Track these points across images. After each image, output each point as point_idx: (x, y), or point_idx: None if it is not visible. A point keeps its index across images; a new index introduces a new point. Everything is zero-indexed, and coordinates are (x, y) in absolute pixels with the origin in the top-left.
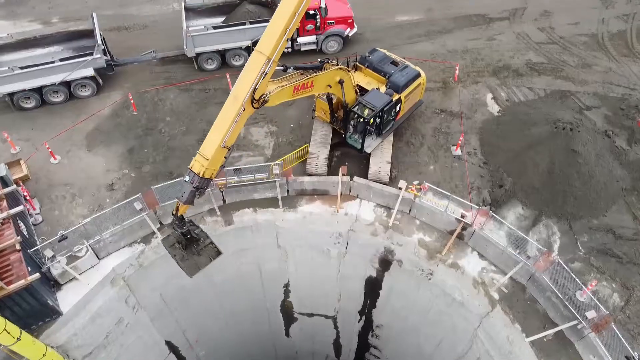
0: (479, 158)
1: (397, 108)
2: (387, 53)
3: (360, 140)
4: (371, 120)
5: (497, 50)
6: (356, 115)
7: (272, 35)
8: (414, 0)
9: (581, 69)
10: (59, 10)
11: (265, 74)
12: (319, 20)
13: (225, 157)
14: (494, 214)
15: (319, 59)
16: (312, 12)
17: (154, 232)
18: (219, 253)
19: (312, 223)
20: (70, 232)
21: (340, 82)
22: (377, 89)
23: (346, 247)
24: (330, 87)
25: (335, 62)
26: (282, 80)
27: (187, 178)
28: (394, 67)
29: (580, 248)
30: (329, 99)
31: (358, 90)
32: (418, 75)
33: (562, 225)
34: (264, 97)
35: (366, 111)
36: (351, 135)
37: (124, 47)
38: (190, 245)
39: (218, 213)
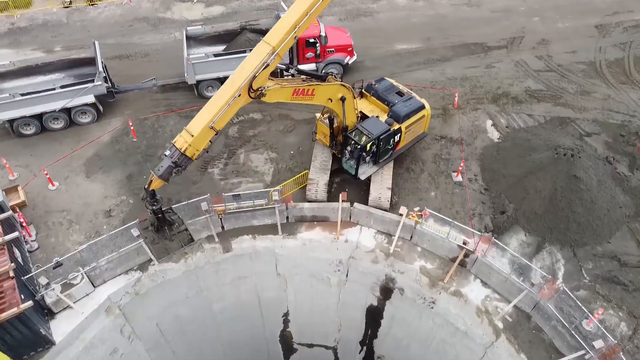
0: (480, 184)
1: (397, 138)
2: (394, 83)
3: (355, 166)
4: (367, 147)
5: (496, 77)
6: (352, 141)
7: (282, 28)
8: (413, 30)
9: (580, 96)
10: (62, 39)
11: (267, 65)
12: (318, 48)
13: (210, 141)
14: (497, 241)
15: (324, 71)
16: (312, 40)
17: (151, 260)
18: (191, 240)
19: (311, 250)
20: (66, 259)
21: (342, 100)
22: (377, 116)
23: (346, 275)
24: (331, 102)
25: (340, 78)
26: (283, 80)
27: (167, 152)
28: (399, 97)
29: (585, 275)
30: (330, 121)
31: (360, 116)
32: (422, 107)
33: (566, 252)
34: (262, 90)
35: (363, 138)
36: (347, 161)
37: (126, 75)
38: (162, 228)
39: (216, 240)
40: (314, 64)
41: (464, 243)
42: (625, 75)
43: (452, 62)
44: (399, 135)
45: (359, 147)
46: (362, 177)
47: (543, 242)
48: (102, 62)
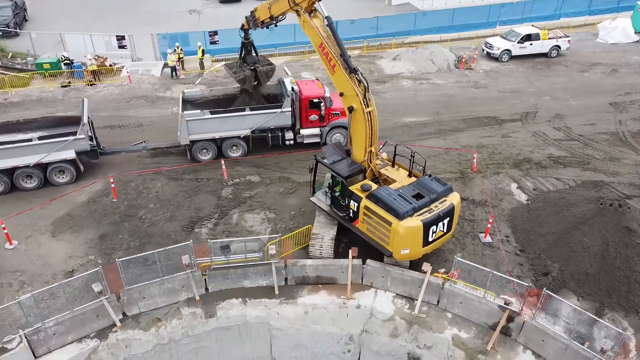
0: (514, 245)
1: (354, 207)
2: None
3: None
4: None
5: (514, 146)
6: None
7: None
8: (421, 106)
9: (609, 161)
10: (53, 110)
11: None
12: (323, 109)
13: (268, 18)
14: (551, 293)
15: (355, 67)
16: (316, 100)
17: (114, 324)
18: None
19: (315, 322)
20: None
21: (350, 110)
22: (362, 169)
23: (358, 358)
24: (343, 96)
25: (365, 84)
26: (325, 30)
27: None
28: (411, 197)
29: None
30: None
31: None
32: (396, 214)
33: (633, 320)
34: (298, 7)
35: (325, 159)
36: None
37: (114, 142)
38: (244, 60)
39: (197, 298)
40: (318, 128)
41: (506, 303)
42: None
43: (465, 132)
44: (356, 205)
45: (315, 157)
46: (314, 199)
47: (602, 308)
48: (88, 117)
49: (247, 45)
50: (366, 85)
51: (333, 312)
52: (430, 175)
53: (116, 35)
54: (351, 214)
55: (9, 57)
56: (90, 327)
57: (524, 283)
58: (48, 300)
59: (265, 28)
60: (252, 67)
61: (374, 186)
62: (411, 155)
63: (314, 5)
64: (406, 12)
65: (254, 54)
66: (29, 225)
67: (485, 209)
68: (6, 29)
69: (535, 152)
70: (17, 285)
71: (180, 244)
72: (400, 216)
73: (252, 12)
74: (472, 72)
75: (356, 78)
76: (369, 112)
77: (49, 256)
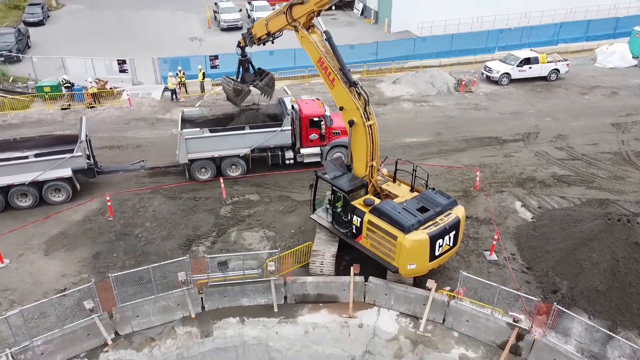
0: (520, 263)
1: (357, 222)
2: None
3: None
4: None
5: (517, 165)
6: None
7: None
8: (422, 127)
9: (614, 180)
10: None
11: (302, 3)
12: (323, 128)
13: (265, 35)
14: (561, 308)
15: (354, 81)
16: (316, 119)
17: (105, 344)
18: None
19: (316, 342)
20: None
21: (350, 124)
22: (363, 184)
23: None
24: (343, 110)
25: (365, 97)
26: (324, 45)
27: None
28: (415, 210)
29: None
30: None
31: (384, 193)
32: (401, 227)
33: None
34: (296, 23)
35: (326, 174)
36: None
37: (112, 162)
38: (242, 76)
39: (193, 316)
40: (318, 147)
41: (515, 321)
42: None
43: (466, 152)
44: (359, 220)
45: (316, 173)
46: (314, 216)
47: (614, 327)
48: (86, 135)
49: (245, 63)
50: (366, 98)
51: (334, 331)
52: (433, 189)
53: (117, 60)
54: (354, 230)
55: (10, 81)
56: (81, 347)
57: (533, 298)
58: (38, 320)
59: (262, 45)
60: (253, 85)
61: (377, 200)
62: (413, 170)
63: (312, 21)
64: (405, 38)
65: (251, 72)
66: (21, 244)
67: (489, 227)
68: (9, 54)
69: (538, 171)
70: (7, 304)
71: (176, 259)
72: (405, 229)
73: (248, 29)
74: (472, 95)
75: (356, 91)
76: (370, 125)
77: (41, 275)
